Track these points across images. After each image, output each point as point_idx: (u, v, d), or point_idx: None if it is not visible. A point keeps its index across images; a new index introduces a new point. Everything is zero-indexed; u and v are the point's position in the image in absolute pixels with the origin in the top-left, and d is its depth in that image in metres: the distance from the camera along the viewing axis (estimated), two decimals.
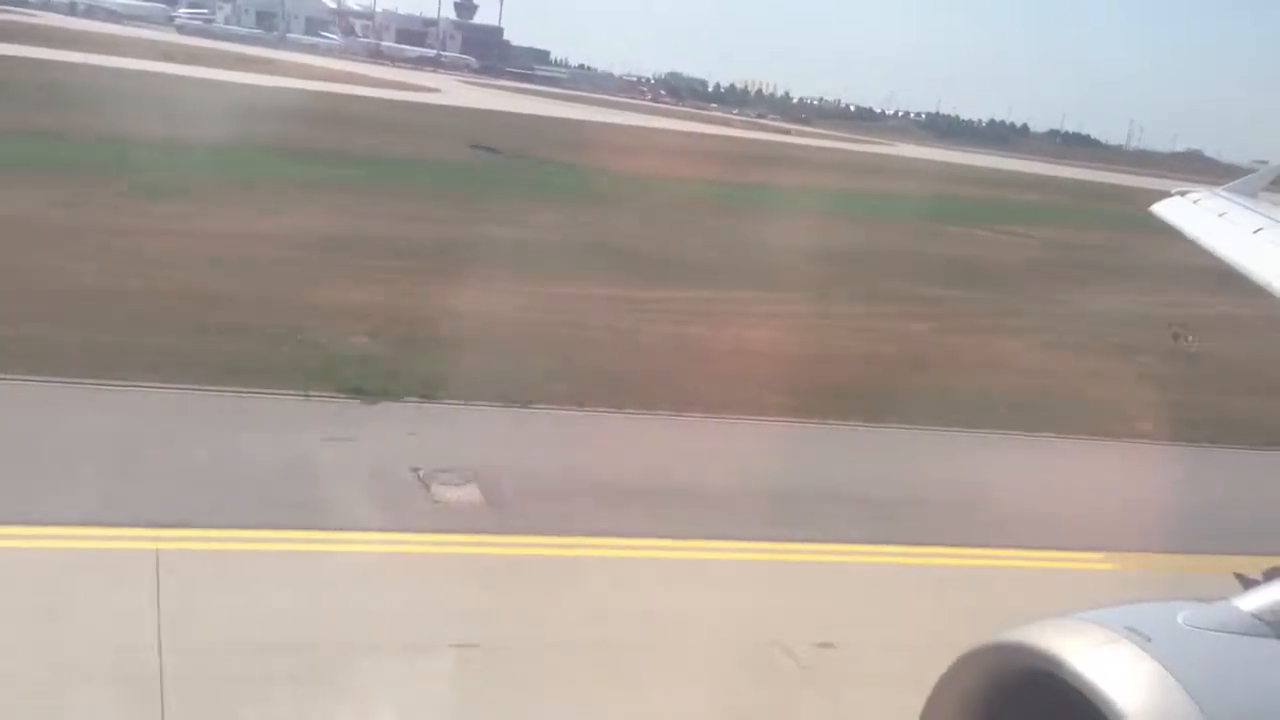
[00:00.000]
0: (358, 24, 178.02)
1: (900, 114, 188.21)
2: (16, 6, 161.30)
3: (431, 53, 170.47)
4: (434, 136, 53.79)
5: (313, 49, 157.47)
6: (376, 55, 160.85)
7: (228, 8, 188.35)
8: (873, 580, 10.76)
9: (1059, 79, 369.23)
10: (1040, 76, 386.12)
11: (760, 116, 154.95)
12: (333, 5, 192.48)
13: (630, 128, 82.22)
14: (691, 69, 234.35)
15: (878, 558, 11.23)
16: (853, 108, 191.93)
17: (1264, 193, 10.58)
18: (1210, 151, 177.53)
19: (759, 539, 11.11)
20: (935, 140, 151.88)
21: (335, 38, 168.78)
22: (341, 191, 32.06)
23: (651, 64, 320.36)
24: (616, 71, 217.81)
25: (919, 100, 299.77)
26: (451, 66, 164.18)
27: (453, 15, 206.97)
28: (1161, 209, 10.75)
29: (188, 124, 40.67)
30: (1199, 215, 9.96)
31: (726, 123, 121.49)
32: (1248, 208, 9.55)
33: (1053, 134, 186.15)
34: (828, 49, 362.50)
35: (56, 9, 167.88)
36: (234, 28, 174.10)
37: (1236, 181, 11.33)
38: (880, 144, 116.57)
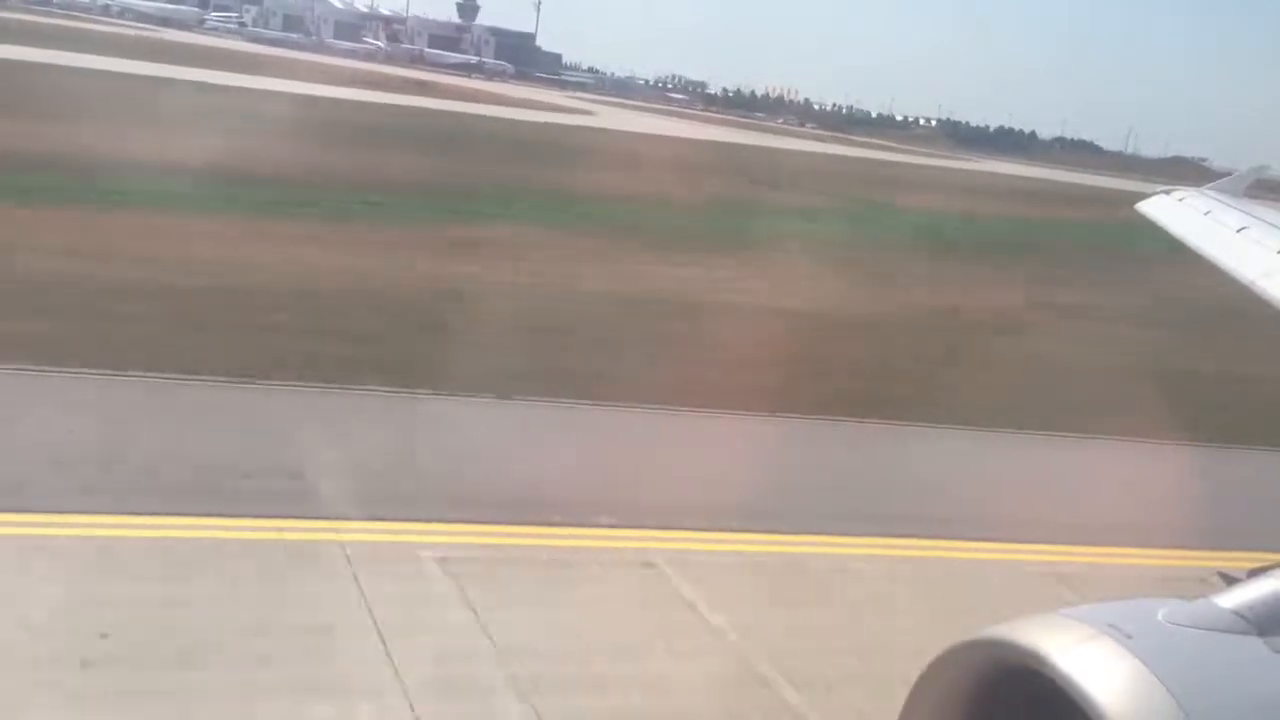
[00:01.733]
0: (397, 30, 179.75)
1: (918, 121, 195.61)
2: (62, 9, 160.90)
3: (474, 59, 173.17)
4: (703, 172, 57.93)
5: (352, 54, 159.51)
6: (419, 61, 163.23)
7: (253, 11, 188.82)
8: None
9: (1055, 82, 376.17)
10: (1035, 80, 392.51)
11: (801, 125, 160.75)
12: (363, 9, 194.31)
13: (799, 152, 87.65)
14: (689, 71, 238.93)
15: None
16: (874, 115, 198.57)
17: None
18: (1202, 156, 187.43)
19: None
20: (958, 148, 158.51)
21: (378, 43, 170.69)
22: (876, 249, 36.31)
23: (650, 65, 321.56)
24: (611, 71, 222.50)
25: (916, 103, 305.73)
26: (491, 72, 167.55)
27: (455, 16, 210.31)
28: (1147, 207, 10.87)
29: (568, 171, 44.99)
30: (1184, 214, 10.09)
31: (811, 136, 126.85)
32: (1232, 206, 9.59)
33: (1058, 140, 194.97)
34: (825, 52, 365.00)
35: (87, 10, 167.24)
36: (267, 31, 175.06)
37: (1221, 181, 11.48)
38: (960, 159, 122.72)
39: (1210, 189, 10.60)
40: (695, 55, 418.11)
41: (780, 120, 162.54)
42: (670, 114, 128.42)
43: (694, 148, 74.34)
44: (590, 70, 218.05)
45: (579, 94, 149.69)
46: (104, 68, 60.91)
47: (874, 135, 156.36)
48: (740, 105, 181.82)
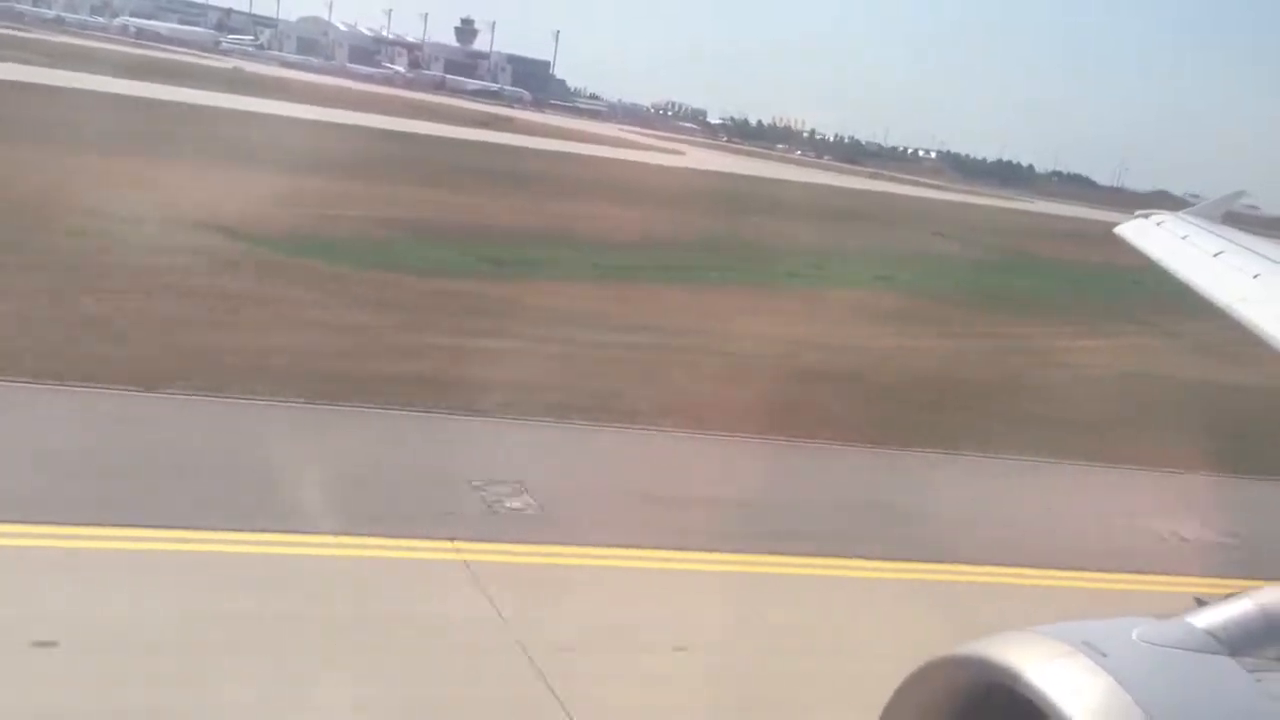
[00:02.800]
0: (419, 55, 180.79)
1: (917, 153, 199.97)
2: (78, 29, 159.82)
3: (494, 86, 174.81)
4: (866, 220, 60.97)
5: (370, 79, 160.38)
6: (441, 88, 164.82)
7: (267, 34, 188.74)
8: None
9: (1044, 115, 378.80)
10: (1024, 112, 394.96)
11: (819, 157, 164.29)
12: (366, 32, 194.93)
13: (888, 194, 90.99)
14: (678, 95, 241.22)
15: None
16: (879, 146, 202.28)
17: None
18: (1194, 192, 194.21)
19: None
20: (969, 182, 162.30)
21: (397, 69, 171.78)
22: None
23: (638, 90, 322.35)
24: (619, 98, 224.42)
25: (905, 133, 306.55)
26: (510, 99, 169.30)
27: (454, 40, 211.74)
28: (1125, 230, 10.99)
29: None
30: (1162, 237, 10.17)
31: (858, 172, 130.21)
32: (1209, 231, 9.65)
33: (1054, 174, 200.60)
34: (811, 78, 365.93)
35: (104, 30, 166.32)
36: (288, 55, 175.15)
37: (1199, 205, 11.72)
38: (1006, 198, 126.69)
39: (1187, 214, 10.78)
40: (681, 80, 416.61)
41: (798, 152, 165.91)
42: (725, 149, 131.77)
43: (808, 191, 77.31)
44: (592, 96, 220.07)
45: (631, 127, 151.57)
46: (273, 111, 62.23)
47: (885, 167, 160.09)
48: (750, 135, 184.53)
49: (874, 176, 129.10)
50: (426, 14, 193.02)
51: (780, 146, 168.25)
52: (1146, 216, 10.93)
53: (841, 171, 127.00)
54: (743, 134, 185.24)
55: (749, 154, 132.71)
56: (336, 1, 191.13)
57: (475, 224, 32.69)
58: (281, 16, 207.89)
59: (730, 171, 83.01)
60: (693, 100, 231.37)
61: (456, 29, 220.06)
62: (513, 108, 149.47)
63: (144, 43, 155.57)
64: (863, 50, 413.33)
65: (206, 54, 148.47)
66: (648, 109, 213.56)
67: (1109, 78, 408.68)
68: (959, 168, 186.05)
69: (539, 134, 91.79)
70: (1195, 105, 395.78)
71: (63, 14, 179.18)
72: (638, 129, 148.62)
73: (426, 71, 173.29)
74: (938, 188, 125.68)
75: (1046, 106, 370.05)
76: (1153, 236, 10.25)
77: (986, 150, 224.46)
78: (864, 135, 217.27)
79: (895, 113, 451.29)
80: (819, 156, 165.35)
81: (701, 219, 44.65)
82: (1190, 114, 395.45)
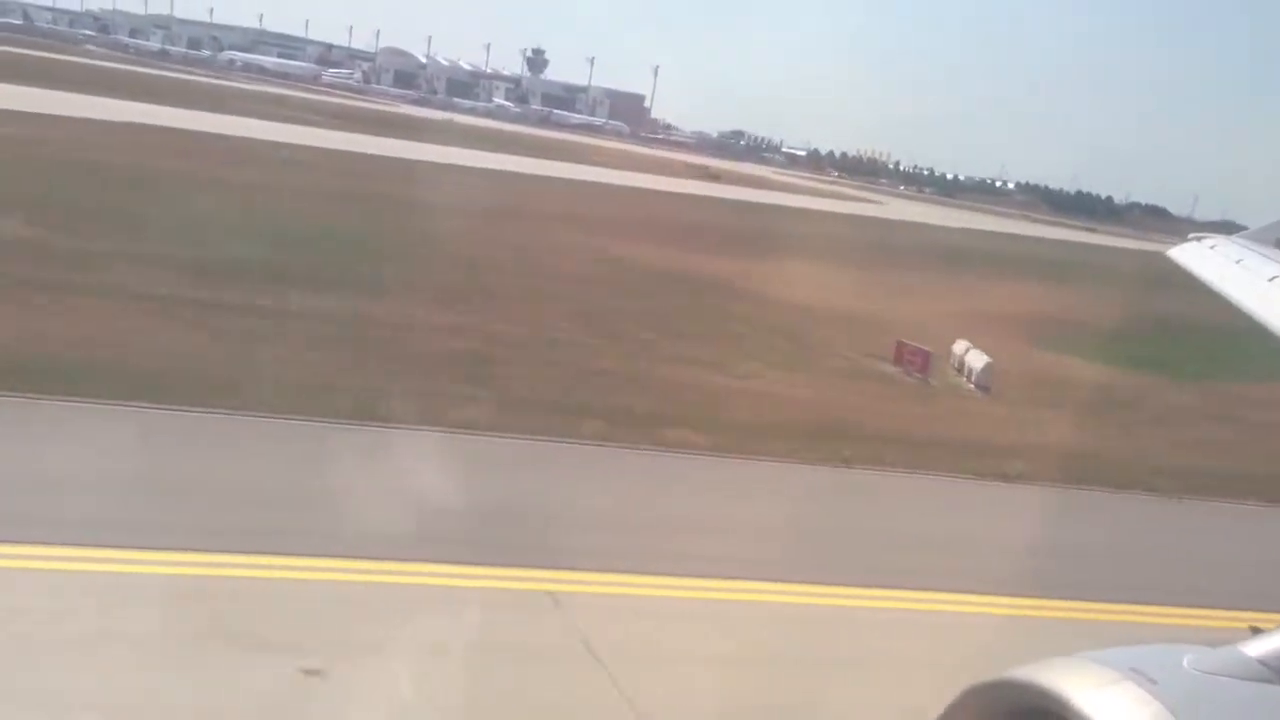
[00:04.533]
0: (521, 90, 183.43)
1: (994, 183, 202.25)
2: (181, 64, 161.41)
3: (597, 120, 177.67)
4: (1140, 280, 62.66)
5: (473, 112, 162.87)
6: (546, 122, 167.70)
7: (365, 67, 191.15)
8: None
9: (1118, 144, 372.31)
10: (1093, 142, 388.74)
11: (920, 191, 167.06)
12: (469, 68, 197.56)
13: (1082, 244, 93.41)
14: (735, 124, 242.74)
15: None
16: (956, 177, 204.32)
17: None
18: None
19: None
20: (1062, 215, 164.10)
21: (505, 103, 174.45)
22: None
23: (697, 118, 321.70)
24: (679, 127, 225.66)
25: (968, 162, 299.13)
26: (611, 133, 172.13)
27: (525, 70, 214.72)
28: (1178, 254, 10.89)
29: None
30: (1215, 261, 10.04)
31: (985, 210, 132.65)
32: (1264, 255, 9.59)
33: (1134, 205, 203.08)
34: (868, 106, 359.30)
35: (208, 65, 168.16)
36: (390, 89, 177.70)
37: (1254, 229, 11.39)
38: (1141, 237, 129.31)
39: (1241, 237, 10.51)
40: (726, 106, 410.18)
41: (901, 187, 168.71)
42: (888, 193, 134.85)
43: (1039, 246, 79.71)
44: (667, 126, 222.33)
45: (730, 161, 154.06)
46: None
47: (981, 201, 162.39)
48: (842, 168, 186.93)
49: (1020, 218, 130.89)
50: (526, 49, 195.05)
51: (883, 181, 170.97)
52: (1199, 240, 10.94)
53: (975, 210, 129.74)
54: (838, 167, 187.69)
55: (895, 196, 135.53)
56: (398, 30, 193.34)
57: (1063, 317, 34.76)
58: (355, 46, 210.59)
59: (950, 225, 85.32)
60: (740, 124, 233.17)
61: (528, 59, 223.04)
62: (624, 140, 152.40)
63: (253, 77, 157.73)
64: (921, 79, 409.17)
65: (340, 92, 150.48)
66: (720, 138, 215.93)
67: (1177, 107, 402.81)
68: (1044, 200, 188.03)
69: (748, 185, 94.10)
70: (1266, 133, 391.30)
71: (166, 47, 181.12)
72: (758, 166, 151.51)
73: (534, 107, 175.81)
74: (1069, 226, 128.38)
75: (1116, 135, 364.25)
76: (1206, 261, 10.03)
77: (1050, 179, 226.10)
78: (932, 165, 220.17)
79: (960, 142, 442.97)
80: (920, 191, 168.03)
81: (1077, 290, 46.09)
82: (1261, 142, 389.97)
